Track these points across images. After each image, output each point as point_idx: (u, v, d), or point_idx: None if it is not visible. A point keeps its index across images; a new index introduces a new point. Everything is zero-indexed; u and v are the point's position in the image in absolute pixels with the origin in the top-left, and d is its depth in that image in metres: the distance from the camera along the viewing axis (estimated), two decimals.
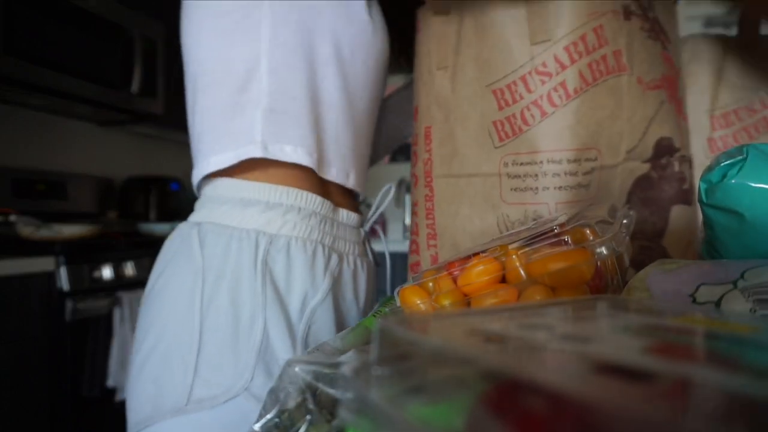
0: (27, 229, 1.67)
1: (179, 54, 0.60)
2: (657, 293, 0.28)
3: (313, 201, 0.57)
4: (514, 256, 0.33)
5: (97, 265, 1.66)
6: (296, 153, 0.55)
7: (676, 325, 0.19)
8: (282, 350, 0.51)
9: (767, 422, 0.11)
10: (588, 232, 0.33)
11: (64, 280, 1.55)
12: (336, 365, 0.24)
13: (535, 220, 0.51)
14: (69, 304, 1.55)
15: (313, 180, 0.58)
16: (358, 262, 0.63)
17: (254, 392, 0.49)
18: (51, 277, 1.53)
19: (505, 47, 0.54)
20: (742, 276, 0.25)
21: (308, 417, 0.22)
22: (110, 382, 1.63)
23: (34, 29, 1.63)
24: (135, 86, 1.99)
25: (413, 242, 0.63)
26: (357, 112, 0.62)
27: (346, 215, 0.62)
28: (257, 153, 0.54)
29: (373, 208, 0.67)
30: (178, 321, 0.51)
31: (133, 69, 1.98)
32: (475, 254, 0.36)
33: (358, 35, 0.60)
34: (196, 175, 0.57)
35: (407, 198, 2.90)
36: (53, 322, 1.53)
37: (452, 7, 0.59)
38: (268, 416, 0.22)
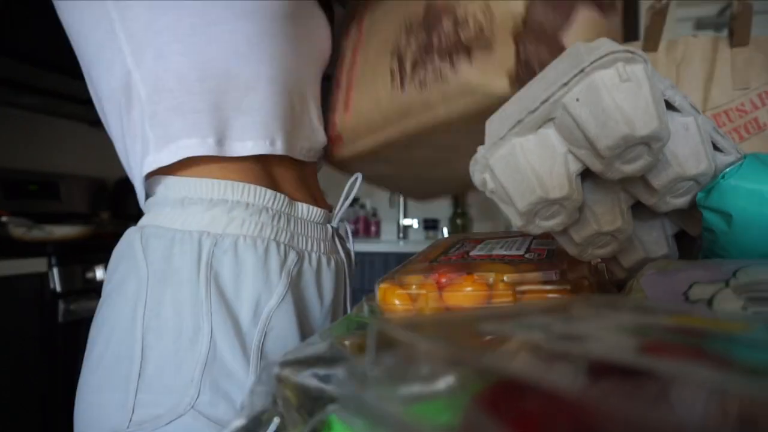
0: (19, 229, 1.66)
1: None
2: (651, 293, 0.28)
3: (262, 195, 0.52)
4: (501, 287, 0.33)
5: (90, 265, 1.65)
6: (184, 147, 0.50)
7: (670, 324, 0.19)
8: (232, 362, 0.47)
9: (760, 420, 0.11)
10: (586, 284, 0.33)
11: (56, 281, 1.54)
12: (322, 358, 0.24)
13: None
14: (61, 305, 1.55)
15: (261, 172, 0.54)
16: (323, 261, 0.59)
17: (202, 410, 0.45)
18: (43, 278, 1.52)
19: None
20: (734, 275, 0.25)
21: (276, 419, 0.22)
22: None
23: (24, 28, 1.62)
24: None
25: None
26: (267, 68, 0.54)
27: (306, 210, 0.57)
28: (152, 165, 0.50)
29: (341, 199, 0.63)
30: (120, 335, 0.47)
31: None
32: (469, 274, 0.35)
33: None
34: (140, 203, 0.55)
35: (401, 198, 2.90)
36: (46, 323, 1.52)
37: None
38: (236, 423, 0.22)
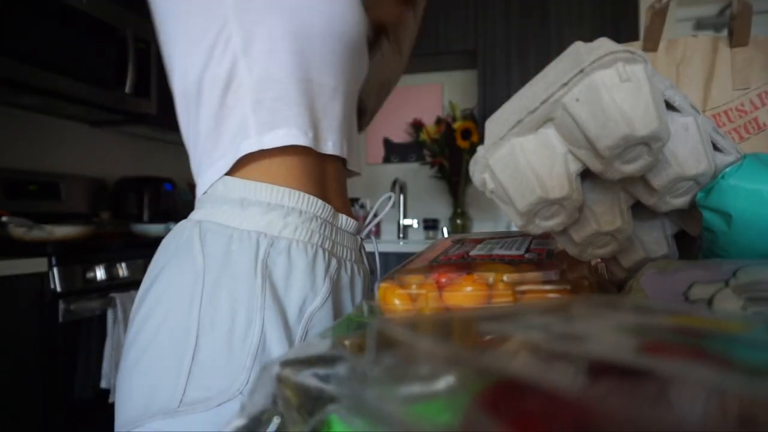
0: (19, 230, 1.66)
1: None
2: (651, 293, 0.28)
3: (314, 204, 0.56)
4: (501, 287, 0.33)
5: (90, 265, 1.65)
6: (290, 135, 0.54)
7: (670, 324, 0.19)
8: (279, 353, 0.50)
9: (760, 420, 0.11)
10: (586, 284, 0.33)
11: (56, 281, 1.54)
12: (322, 358, 0.24)
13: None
14: (62, 305, 1.54)
15: (315, 179, 0.58)
16: (355, 269, 0.63)
17: None
18: (44, 278, 1.52)
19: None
20: (734, 275, 0.25)
21: (276, 419, 0.22)
22: (103, 384, 1.62)
23: (26, 28, 1.62)
24: (128, 86, 1.98)
25: None
26: (344, 82, 0.62)
27: (345, 221, 0.62)
28: (253, 147, 0.54)
29: (371, 215, 0.68)
30: (174, 320, 0.50)
31: (127, 69, 1.97)
32: (469, 274, 0.35)
33: (330, 6, 0.59)
34: (202, 186, 0.57)
35: (401, 198, 2.90)
36: (46, 323, 1.52)
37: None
38: (236, 422, 0.22)
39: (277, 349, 0.51)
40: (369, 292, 0.69)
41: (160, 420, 0.48)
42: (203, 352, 0.49)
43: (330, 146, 0.59)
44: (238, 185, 0.54)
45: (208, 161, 0.56)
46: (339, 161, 0.64)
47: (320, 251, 0.56)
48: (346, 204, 0.67)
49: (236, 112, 0.54)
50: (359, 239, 0.67)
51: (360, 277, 0.65)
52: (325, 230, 0.58)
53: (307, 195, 0.56)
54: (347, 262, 0.62)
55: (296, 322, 0.53)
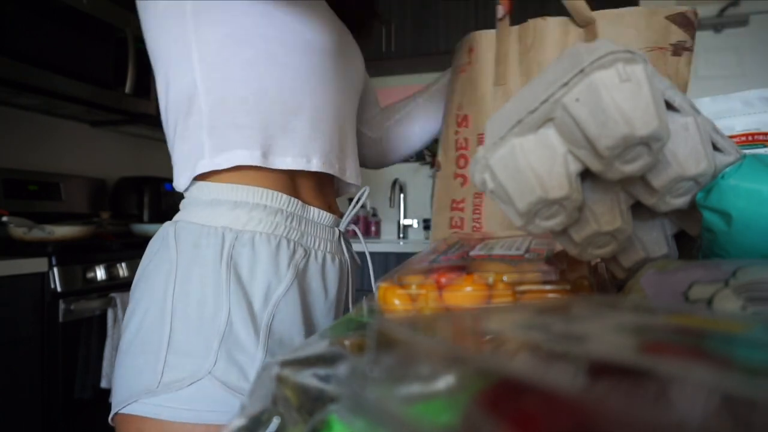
0: (19, 230, 1.66)
1: None
2: (651, 292, 0.28)
3: (278, 198, 0.61)
4: (501, 287, 0.33)
5: (90, 265, 1.65)
6: (236, 156, 0.59)
7: (670, 324, 0.19)
8: (244, 336, 0.56)
9: (760, 421, 0.11)
10: (586, 284, 0.33)
11: (56, 281, 1.54)
12: (322, 358, 0.24)
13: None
14: (62, 305, 1.55)
15: (282, 182, 0.63)
16: (328, 258, 0.67)
17: (217, 375, 0.54)
18: (44, 278, 1.52)
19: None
20: (733, 275, 0.25)
21: (275, 419, 0.22)
22: (103, 384, 1.62)
23: (25, 29, 1.62)
24: (128, 86, 1.98)
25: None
26: (311, 98, 0.64)
27: (317, 213, 0.66)
28: (206, 167, 0.59)
29: (349, 209, 0.71)
30: (154, 309, 0.56)
31: (127, 69, 1.97)
32: (469, 274, 0.35)
33: (287, 27, 0.63)
34: (179, 191, 0.64)
35: (401, 198, 2.90)
36: (46, 323, 1.52)
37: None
38: (236, 423, 0.22)
39: (243, 332, 0.56)
40: (353, 282, 0.74)
41: (143, 399, 0.53)
42: (177, 336, 0.55)
43: (288, 162, 0.62)
44: (209, 188, 0.60)
45: (176, 173, 0.63)
46: (314, 171, 0.66)
47: (284, 241, 0.61)
48: (326, 201, 0.70)
49: (194, 135, 0.60)
50: (337, 231, 0.71)
51: (334, 267, 0.68)
52: (291, 222, 0.62)
53: (270, 191, 0.61)
54: (318, 252, 0.66)
55: (262, 308, 0.58)
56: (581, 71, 0.27)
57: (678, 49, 0.57)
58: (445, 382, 0.16)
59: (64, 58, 1.75)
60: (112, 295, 1.66)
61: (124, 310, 1.66)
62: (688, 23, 0.58)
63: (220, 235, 0.58)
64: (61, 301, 1.54)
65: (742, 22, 2.62)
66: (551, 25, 0.65)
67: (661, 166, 0.30)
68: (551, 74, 0.30)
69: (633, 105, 0.26)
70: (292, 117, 0.63)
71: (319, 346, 0.26)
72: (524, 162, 0.30)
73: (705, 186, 0.31)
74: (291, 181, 0.64)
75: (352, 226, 0.75)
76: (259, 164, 0.59)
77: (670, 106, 0.31)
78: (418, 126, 0.90)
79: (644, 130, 0.26)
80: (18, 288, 1.45)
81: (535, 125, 0.30)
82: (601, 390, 0.13)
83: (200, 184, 0.61)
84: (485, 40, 0.71)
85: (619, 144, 0.27)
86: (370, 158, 0.94)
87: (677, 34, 0.58)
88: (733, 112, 0.65)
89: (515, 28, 0.69)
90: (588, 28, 0.61)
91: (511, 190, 0.30)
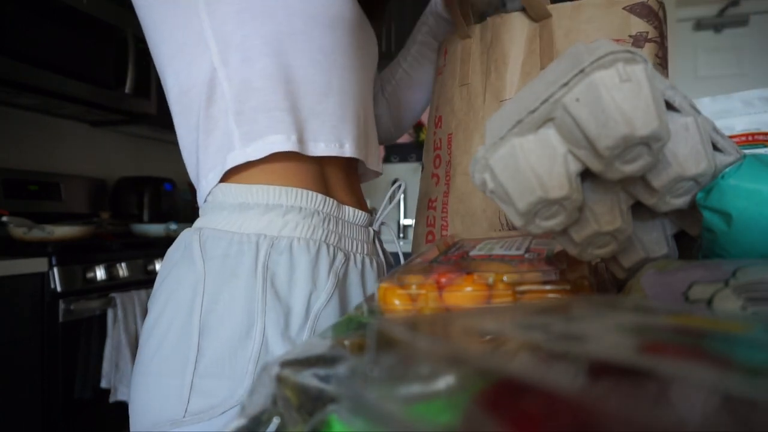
0: (19, 230, 1.66)
1: None
2: (651, 292, 0.28)
3: (313, 199, 0.55)
4: (501, 287, 0.33)
5: (90, 265, 1.65)
6: (272, 143, 0.53)
7: (670, 324, 0.19)
8: None
9: (760, 421, 0.11)
10: (586, 284, 0.33)
11: (56, 281, 1.54)
12: (322, 358, 0.24)
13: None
14: (62, 305, 1.54)
15: (314, 177, 0.57)
16: (367, 262, 0.62)
17: None
18: (44, 278, 1.52)
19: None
20: (733, 275, 0.25)
21: (275, 419, 0.22)
22: (103, 384, 1.62)
23: (26, 28, 1.62)
24: (128, 86, 1.98)
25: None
26: (338, 78, 0.59)
27: (352, 213, 0.61)
28: (239, 159, 0.53)
29: (383, 204, 0.68)
30: (177, 329, 0.50)
31: (127, 69, 1.97)
32: (469, 274, 0.35)
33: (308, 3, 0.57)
34: (201, 194, 0.57)
35: (401, 198, 2.90)
36: (46, 323, 1.52)
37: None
38: (236, 423, 0.22)
39: (281, 351, 0.50)
40: None
41: (168, 430, 0.48)
42: (206, 358, 0.49)
43: (322, 147, 0.57)
44: (235, 190, 0.54)
45: (201, 173, 0.56)
46: (343, 159, 0.62)
47: (324, 246, 0.55)
48: (357, 197, 0.65)
49: (220, 124, 0.54)
50: (371, 231, 0.66)
51: (373, 271, 0.63)
52: (329, 224, 0.57)
53: (304, 191, 0.55)
54: (357, 256, 0.60)
55: (302, 323, 0.52)
56: (581, 71, 0.27)
57: (639, 41, 0.57)
58: (445, 382, 0.16)
59: (64, 58, 1.75)
60: (112, 295, 1.66)
61: (123, 310, 1.66)
62: (649, 13, 0.57)
63: (254, 242, 0.51)
64: (61, 301, 1.54)
65: (742, 22, 2.62)
66: (507, 22, 0.64)
67: (661, 166, 0.30)
68: (551, 74, 0.30)
69: (633, 105, 0.26)
70: (322, 97, 0.57)
71: (319, 346, 0.26)
72: (524, 162, 0.30)
73: (705, 186, 0.31)
74: (321, 174, 0.59)
75: (382, 226, 0.71)
76: (295, 149, 0.54)
77: (670, 106, 0.31)
78: (406, 101, 0.87)
79: (644, 130, 0.26)
80: (18, 288, 1.45)
81: (535, 125, 0.30)
82: (601, 390, 0.13)
83: (224, 186, 0.55)
84: (456, 41, 0.72)
85: (619, 144, 0.27)
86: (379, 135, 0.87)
87: (637, 25, 0.57)
88: (734, 112, 0.65)
89: (478, 27, 0.69)
90: (544, 23, 0.61)
91: (511, 190, 0.30)
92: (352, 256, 0.59)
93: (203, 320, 0.49)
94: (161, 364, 0.50)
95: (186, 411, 0.48)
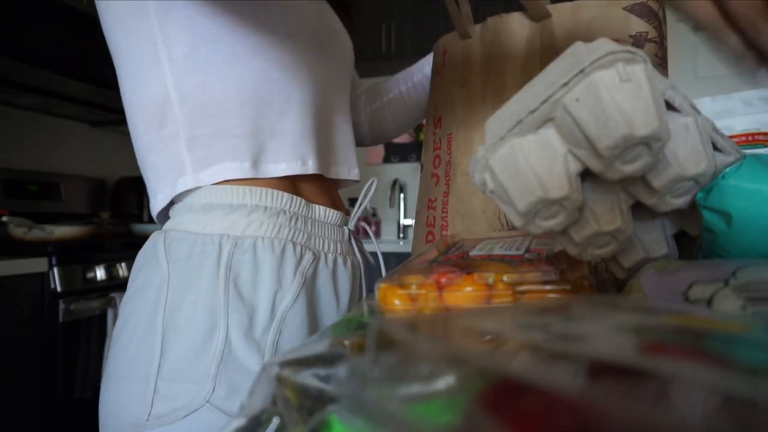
0: (19, 229, 1.66)
1: None
2: (651, 292, 0.28)
3: (279, 198, 0.54)
4: (501, 287, 0.33)
5: (90, 265, 1.65)
6: (224, 170, 0.53)
7: (670, 324, 0.19)
8: (246, 358, 0.49)
9: (760, 421, 0.11)
10: (586, 284, 0.33)
11: (56, 281, 1.54)
12: (322, 358, 0.24)
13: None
14: (62, 305, 1.55)
15: (279, 181, 0.56)
16: (339, 261, 0.61)
17: (217, 404, 0.47)
18: (43, 278, 1.52)
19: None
20: (733, 274, 0.25)
21: (275, 419, 0.22)
22: None
23: (26, 29, 1.62)
24: None
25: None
26: (299, 93, 0.57)
27: (323, 212, 0.60)
28: (189, 184, 0.53)
29: (357, 203, 0.66)
30: (141, 333, 0.50)
31: None
32: (468, 274, 0.35)
33: (263, 14, 0.55)
34: (153, 210, 0.57)
35: (401, 198, 2.90)
36: (46, 323, 1.52)
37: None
38: (235, 423, 0.22)
39: (245, 353, 0.49)
40: (366, 284, 0.68)
41: None
42: (169, 361, 0.48)
43: (282, 168, 0.55)
44: (200, 192, 0.53)
45: (151, 192, 0.56)
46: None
47: (290, 245, 0.54)
48: (329, 197, 0.64)
49: (171, 147, 0.53)
50: (347, 230, 0.65)
51: (347, 270, 0.62)
52: (295, 223, 0.56)
53: (270, 190, 0.54)
54: (329, 255, 0.59)
55: (267, 324, 0.51)
56: (581, 71, 0.27)
57: (639, 41, 0.57)
58: (445, 382, 0.16)
59: (64, 58, 1.75)
60: (112, 295, 1.66)
61: None
62: (649, 12, 0.57)
63: (217, 243, 0.51)
64: (60, 301, 1.54)
65: None
66: (507, 22, 0.64)
67: (661, 166, 0.30)
68: (551, 74, 0.30)
69: (633, 105, 0.26)
70: (280, 116, 0.55)
71: (319, 346, 0.26)
72: (524, 162, 0.30)
73: (705, 186, 0.31)
74: (290, 180, 0.58)
75: (362, 224, 0.70)
76: (249, 176, 0.53)
77: (670, 106, 0.31)
78: (392, 120, 0.87)
79: (644, 130, 0.26)
80: (18, 288, 1.45)
81: (535, 125, 0.30)
82: (601, 390, 0.13)
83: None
84: (456, 41, 0.72)
85: (619, 144, 0.27)
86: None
87: (637, 25, 0.57)
88: (734, 112, 0.65)
89: (478, 27, 0.68)
90: (544, 23, 0.61)
91: (512, 190, 0.30)
92: (322, 255, 0.58)
93: (166, 322, 0.49)
94: (127, 367, 0.49)
95: (149, 415, 0.47)
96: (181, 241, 0.52)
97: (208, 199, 0.53)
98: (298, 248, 0.55)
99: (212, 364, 0.48)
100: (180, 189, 0.53)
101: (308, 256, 0.56)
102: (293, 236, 0.55)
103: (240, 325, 0.49)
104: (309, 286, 0.55)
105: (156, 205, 0.56)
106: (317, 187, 0.62)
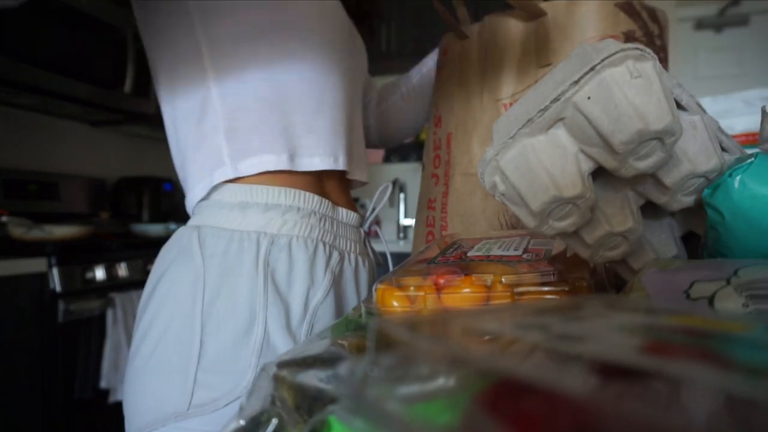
0: (18, 229, 1.66)
1: None
2: (652, 291, 0.28)
3: (311, 200, 0.57)
4: (499, 289, 0.33)
5: (90, 266, 1.65)
6: (262, 162, 0.55)
7: (671, 324, 0.19)
8: (284, 349, 0.51)
9: (761, 421, 0.11)
10: (585, 284, 0.33)
11: (56, 281, 1.54)
12: (321, 359, 0.24)
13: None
14: (61, 306, 1.54)
15: (309, 181, 0.59)
16: (359, 260, 0.64)
17: None
18: (43, 278, 1.52)
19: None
20: (735, 273, 0.25)
21: (274, 420, 0.22)
22: (103, 384, 1.62)
23: (26, 28, 1.62)
24: (127, 86, 1.98)
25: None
26: (331, 94, 0.61)
27: (345, 214, 0.63)
28: (228, 175, 0.55)
29: (371, 206, 0.69)
30: (178, 325, 0.51)
31: (126, 69, 1.97)
32: (467, 275, 0.35)
33: (302, 19, 0.59)
34: (189, 204, 0.59)
35: (401, 198, 2.90)
36: (45, 323, 1.52)
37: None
38: (235, 423, 0.22)
39: (282, 345, 0.52)
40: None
41: (172, 424, 0.49)
42: (209, 353, 0.50)
43: (317, 162, 0.59)
44: (235, 190, 0.56)
45: (188, 185, 0.58)
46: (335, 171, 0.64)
47: (320, 245, 0.57)
48: (348, 200, 0.67)
49: (209, 140, 0.56)
50: (362, 232, 0.68)
51: (365, 269, 0.65)
52: (324, 224, 0.59)
53: (302, 192, 0.57)
54: (350, 254, 0.63)
55: (301, 318, 0.54)
56: (592, 69, 0.27)
57: (629, 39, 0.57)
58: (445, 382, 0.16)
59: (64, 58, 1.75)
60: (112, 295, 1.66)
61: (123, 310, 1.66)
62: (633, 12, 0.57)
63: (255, 240, 0.53)
64: (60, 302, 1.54)
65: (742, 22, 2.62)
66: (503, 21, 0.64)
67: (673, 164, 0.30)
68: (559, 74, 0.30)
69: (645, 100, 0.26)
70: (315, 115, 0.59)
71: (318, 346, 0.26)
72: (536, 162, 0.30)
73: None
74: (318, 180, 0.61)
75: (375, 227, 0.73)
76: (286, 168, 0.56)
77: (677, 104, 0.31)
78: (396, 121, 0.89)
79: (658, 124, 0.26)
80: (17, 288, 1.45)
81: (545, 126, 0.30)
82: (602, 390, 0.13)
83: (223, 185, 0.56)
84: (455, 41, 0.72)
85: (633, 139, 0.27)
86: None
87: (626, 23, 0.57)
88: (734, 112, 0.65)
89: (476, 26, 0.69)
90: (539, 21, 0.61)
91: (524, 190, 0.30)
92: (346, 255, 0.62)
93: (205, 315, 0.51)
94: (161, 362, 0.51)
95: (190, 404, 0.49)
96: (216, 237, 0.53)
97: (243, 197, 0.55)
98: (327, 248, 0.58)
99: (252, 355, 0.50)
100: (217, 180, 0.55)
101: (336, 255, 0.59)
102: (323, 236, 0.58)
103: (278, 318, 0.52)
104: (337, 283, 0.59)
105: (192, 199, 0.58)
106: (339, 188, 0.65)
